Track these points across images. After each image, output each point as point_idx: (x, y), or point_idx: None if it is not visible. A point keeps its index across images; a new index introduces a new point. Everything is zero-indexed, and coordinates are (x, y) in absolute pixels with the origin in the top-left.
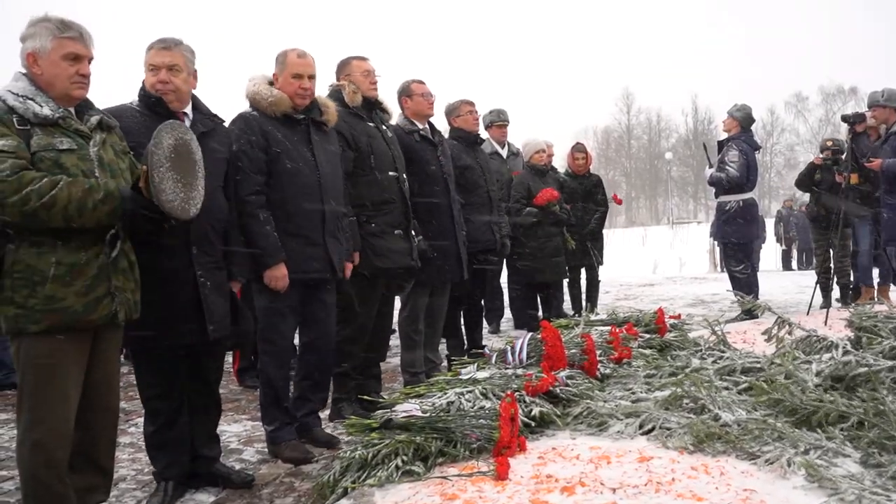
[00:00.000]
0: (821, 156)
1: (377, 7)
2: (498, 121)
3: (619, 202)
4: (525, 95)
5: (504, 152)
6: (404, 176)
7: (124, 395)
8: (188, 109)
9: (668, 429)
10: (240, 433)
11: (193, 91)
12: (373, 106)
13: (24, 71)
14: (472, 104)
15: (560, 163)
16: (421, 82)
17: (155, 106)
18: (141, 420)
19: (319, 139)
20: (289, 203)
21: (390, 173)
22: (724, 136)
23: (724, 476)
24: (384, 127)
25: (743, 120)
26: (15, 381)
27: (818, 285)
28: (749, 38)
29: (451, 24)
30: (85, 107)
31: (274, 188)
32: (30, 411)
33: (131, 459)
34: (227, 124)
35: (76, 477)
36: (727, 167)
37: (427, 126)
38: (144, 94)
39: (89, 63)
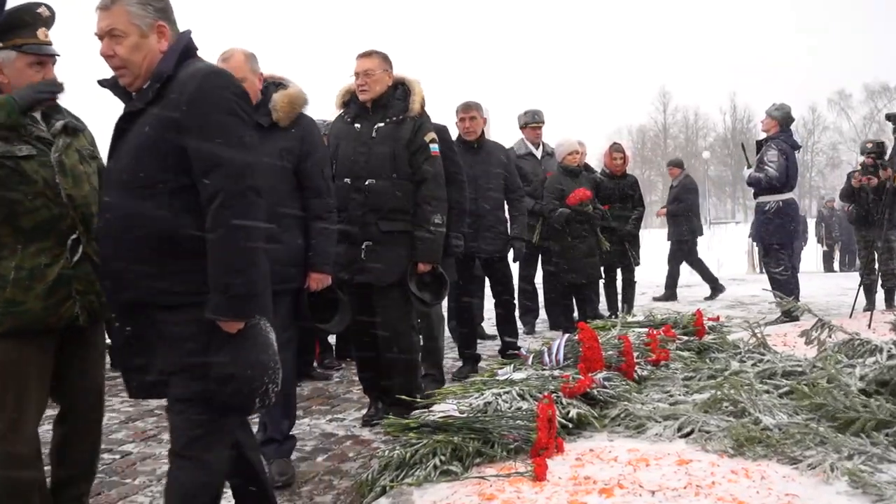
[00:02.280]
0: (857, 173)
1: (414, 4)
2: (532, 122)
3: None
4: (560, 94)
5: (538, 153)
6: (367, 183)
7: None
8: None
9: (708, 432)
10: None
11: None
12: (364, 106)
13: None
14: (467, 110)
15: (595, 162)
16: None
17: None
18: None
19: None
20: None
21: (345, 180)
22: (763, 135)
23: (765, 480)
24: (381, 125)
25: (782, 119)
26: None
27: (862, 287)
28: (790, 35)
29: (488, 23)
30: (53, 111)
31: None
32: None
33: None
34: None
35: (59, 470)
36: (766, 167)
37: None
38: None
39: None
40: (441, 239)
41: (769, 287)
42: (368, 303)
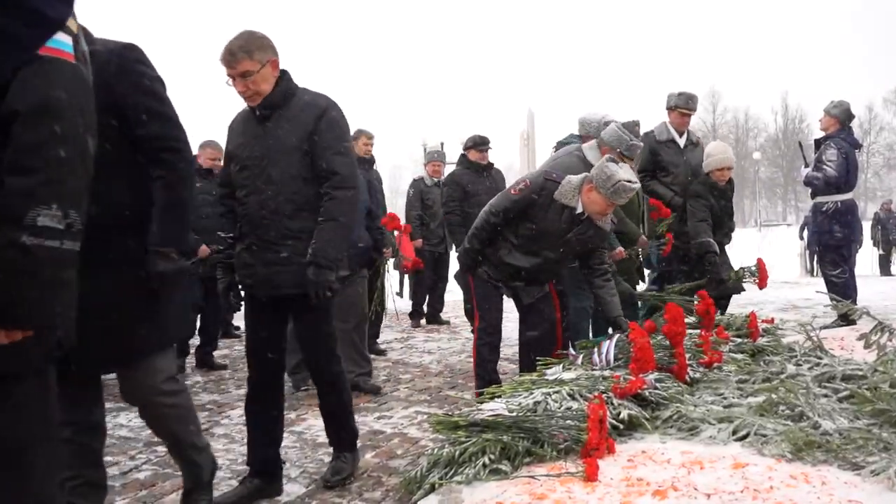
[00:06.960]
0: None
1: (464, 12)
2: (684, 107)
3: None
4: (608, 94)
5: (682, 141)
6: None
7: (216, 389)
8: None
9: (764, 435)
10: None
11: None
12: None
13: None
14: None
15: None
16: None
17: None
18: (233, 412)
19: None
20: None
21: None
22: (818, 134)
23: (825, 486)
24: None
25: (841, 116)
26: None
27: None
28: (843, 32)
29: (538, 23)
30: None
31: None
32: None
33: (225, 450)
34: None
35: None
36: (825, 166)
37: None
38: None
39: None
40: (57, 261)
41: (824, 290)
42: None
